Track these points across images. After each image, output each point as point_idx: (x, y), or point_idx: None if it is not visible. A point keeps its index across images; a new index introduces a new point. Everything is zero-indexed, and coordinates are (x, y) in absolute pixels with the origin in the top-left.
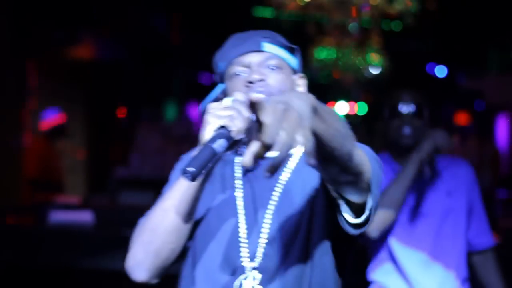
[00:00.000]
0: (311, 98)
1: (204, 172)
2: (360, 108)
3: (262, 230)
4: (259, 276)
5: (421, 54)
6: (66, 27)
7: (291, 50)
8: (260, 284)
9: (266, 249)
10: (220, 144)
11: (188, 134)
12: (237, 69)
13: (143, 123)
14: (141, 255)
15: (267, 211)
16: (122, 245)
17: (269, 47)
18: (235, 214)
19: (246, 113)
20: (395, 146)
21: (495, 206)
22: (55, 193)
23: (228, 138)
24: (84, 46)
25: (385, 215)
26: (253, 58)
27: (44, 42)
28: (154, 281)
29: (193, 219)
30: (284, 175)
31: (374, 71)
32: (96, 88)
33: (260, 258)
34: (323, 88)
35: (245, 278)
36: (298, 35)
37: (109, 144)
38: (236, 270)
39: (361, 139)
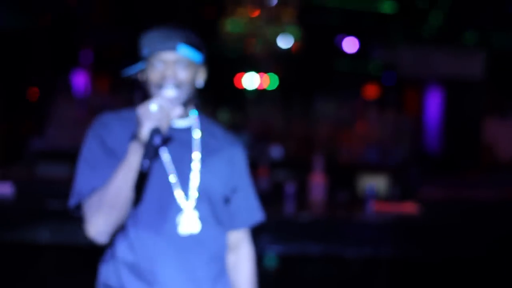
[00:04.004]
0: None
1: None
2: (271, 80)
3: (191, 180)
4: (196, 212)
5: (333, 27)
6: None
7: (200, 48)
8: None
9: (198, 191)
10: (156, 140)
11: (104, 105)
12: (156, 62)
13: (59, 94)
14: (102, 226)
15: (192, 164)
16: (44, 217)
17: (184, 51)
18: (163, 170)
19: (169, 116)
20: None
21: (415, 177)
22: None
23: (161, 135)
24: None
25: None
26: (170, 56)
27: None
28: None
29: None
30: (196, 140)
31: (287, 43)
32: (2, 58)
33: (194, 200)
34: (234, 61)
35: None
36: (213, 6)
37: (21, 115)
38: (173, 210)
39: (277, 115)
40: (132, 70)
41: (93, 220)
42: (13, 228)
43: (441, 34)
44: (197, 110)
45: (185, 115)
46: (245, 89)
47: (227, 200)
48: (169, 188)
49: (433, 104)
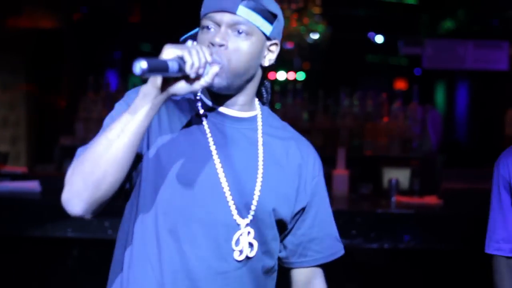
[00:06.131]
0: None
1: (150, 76)
2: (298, 73)
3: (255, 189)
4: (252, 231)
5: (360, 21)
6: None
7: (269, 17)
8: (254, 238)
9: (257, 206)
10: (172, 66)
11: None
12: (208, 23)
13: (88, 92)
14: (79, 186)
15: (258, 173)
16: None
17: (244, 11)
18: (212, 165)
19: (204, 57)
20: None
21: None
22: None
23: (181, 66)
24: (26, 15)
25: None
26: (225, 17)
27: None
28: (89, 216)
29: (136, 152)
30: (259, 138)
31: (314, 36)
32: (37, 57)
33: (252, 215)
34: None
35: (241, 234)
36: None
37: (52, 114)
38: (228, 226)
39: (303, 106)
40: (188, 35)
41: (72, 177)
42: (40, 224)
43: (467, 26)
44: (260, 100)
45: (245, 105)
46: (271, 83)
47: (282, 225)
48: (219, 192)
49: (460, 96)
